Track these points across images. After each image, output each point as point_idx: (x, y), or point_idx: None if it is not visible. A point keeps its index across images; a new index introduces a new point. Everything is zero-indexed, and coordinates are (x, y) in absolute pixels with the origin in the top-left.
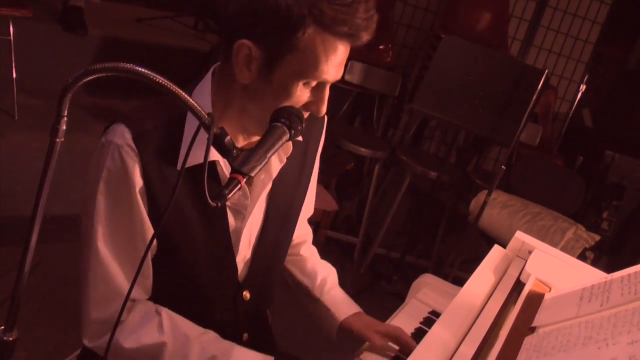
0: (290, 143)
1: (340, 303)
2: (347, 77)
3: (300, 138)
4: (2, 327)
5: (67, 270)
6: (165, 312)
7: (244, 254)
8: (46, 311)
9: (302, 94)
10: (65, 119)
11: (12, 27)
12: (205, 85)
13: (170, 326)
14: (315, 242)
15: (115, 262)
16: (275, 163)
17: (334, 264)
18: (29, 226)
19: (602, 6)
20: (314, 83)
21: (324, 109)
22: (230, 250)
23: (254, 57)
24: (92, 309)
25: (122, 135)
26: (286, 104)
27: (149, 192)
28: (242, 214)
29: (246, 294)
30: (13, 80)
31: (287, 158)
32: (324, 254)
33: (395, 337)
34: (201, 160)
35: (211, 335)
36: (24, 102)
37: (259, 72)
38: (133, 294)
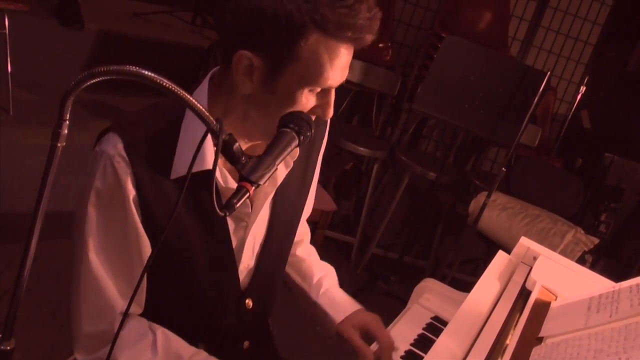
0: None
1: (336, 305)
2: None
3: None
4: None
5: (62, 268)
6: (161, 331)
7: (247, 262)
8: (41, 310)
9: (307, 101)
10: (67, 122)
11: (8, 20)
12: (203, 90)
13: (164, 346)
14: (313, 242)
15: (108, 275)
16: (281, 169)
17: (330, 264)
18: (28, 234)
19: (602, 7)
20: (318, 89)
21: (330, 112)
22: (232, 260)
23: (256, 67)
24: (84, 323)
25: (114, 145)
26: (291, 110)
27: (142, 201)
28: (244, 222)
29: (249, 302)
30: (8, 74)
31: (293, 163)
32: (322, 254)
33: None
34: (200, 168)
35: (202, 355)
36: (20, 97)
37: (262, 83)
38: (121, 308)
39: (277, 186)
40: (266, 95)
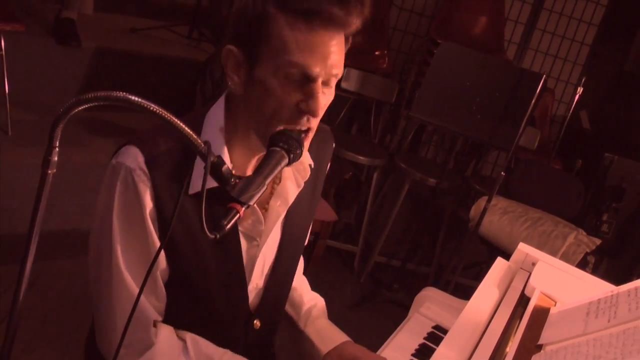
0: (307, 168)
1: (324, 335)
2: (343, 85)
3: (312, 164)
4: None
5: (64, 288)
6: (189, 337)
7: (256, 282)
8: (44, 332)
9: (286, 92)
10: (57, 149)
11: (4, 41)
12: (220, 106)
13: (195, 351)
14: (314, 253)
15: (137, 286)
16: (292, 189)
17: (333, 274)
18: (22, 259)
19: (597, 8)
20: (295, 75)
21: (316, 105)
22: (242, 279)
23: (240, 62)
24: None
25: (134, 159)
26: (273, 102)
27: (160, 216)
28: (256, 241)
29: (257, 323)
30: (6, 95)
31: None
32: (324, 264)
33: None
34: (212, 185)
35: (229, 354)
36: (18, 117)
37: (246, 77)
38: (154, 316)
39: (288, 205)
40: (250, 90)
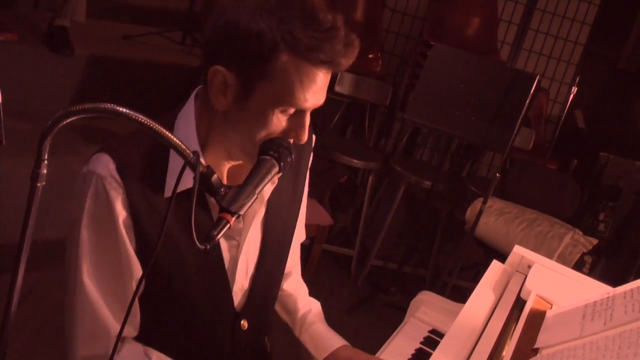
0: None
1: (319, 342)
2: (337, 88)
3: None
4: None
5: (61, 296)
6: (156, 356)
7: (241, 283)
8: (40, 341)
9: (279, 121)
10: (46, 162)
11: None
12: (189, 108)
13: None
14: (310, 258)
15: (102, 298)
16: (267, 185)
17: (330, 278)
18: (14, 270)
19: (590, 7)
20: (291, 110)
21: (304, 136)
22: (225, 281)
23: (229, 84)
24: (80, 346)
25: (105, 166)
26: (264, 131)
27: (135, 222)
28: (236, 241)
29: (244, 324)
30: (0, 104)
31: (278, 179)
32: (320, 269)
33: None
34: (190, 185)
35: None
36: (12, 127)
37: (235, 99)
38: (117, 331)
39: (264, 202)
40: (239, 113)
